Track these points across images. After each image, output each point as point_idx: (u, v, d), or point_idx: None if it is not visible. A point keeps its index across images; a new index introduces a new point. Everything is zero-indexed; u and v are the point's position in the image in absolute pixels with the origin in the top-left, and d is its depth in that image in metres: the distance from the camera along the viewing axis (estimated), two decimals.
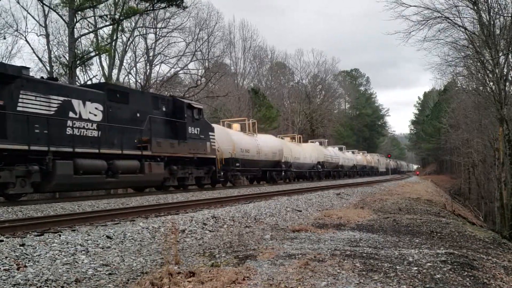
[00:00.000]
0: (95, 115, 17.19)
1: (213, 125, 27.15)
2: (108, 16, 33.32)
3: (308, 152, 42.80)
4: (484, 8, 27.38)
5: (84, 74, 37.46)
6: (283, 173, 35.29)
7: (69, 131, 15.92)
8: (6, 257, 6.15)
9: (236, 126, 31.71)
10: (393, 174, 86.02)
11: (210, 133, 24.09)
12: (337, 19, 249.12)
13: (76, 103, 16.40)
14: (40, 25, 34.75)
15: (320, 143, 50.28)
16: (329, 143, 60.59)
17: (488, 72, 29.36)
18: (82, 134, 16.45)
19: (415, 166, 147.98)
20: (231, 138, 27.80)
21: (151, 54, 42.76)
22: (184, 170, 21.81)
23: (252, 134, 32.12)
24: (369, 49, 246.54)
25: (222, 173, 25.45)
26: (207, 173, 23.79)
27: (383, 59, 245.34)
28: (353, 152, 66.01)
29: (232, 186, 27.21)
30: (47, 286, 5.24)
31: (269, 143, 33.39)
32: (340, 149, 59.11)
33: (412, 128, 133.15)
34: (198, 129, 22.84)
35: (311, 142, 50.03)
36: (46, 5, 32.17)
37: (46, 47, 34.09)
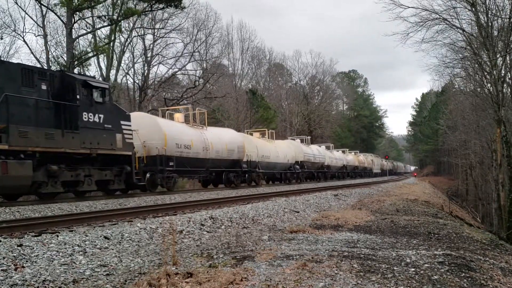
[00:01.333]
0: None
1: (136, 113, 22.96)
2: (106, 16, 33.36)
3: (283, 150, 36.81)
4: (482, 10, 27.50)
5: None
6: (246, 175, 29.79)
7: None
8: (4, 258, 6.14)
9: (179, 116, 26.13)
10: (389, 176, 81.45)
11: (122, 122, 18.27)
12: (334, 22, 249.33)
13: None
14: (38, 25, 34.84)
15: (302, 141, 44.59)
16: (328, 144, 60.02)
17: (485, 73, 29.46)
18: None
19: (412, 167, 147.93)
20: (162, 130, 21.87)
21: (149, 54, 42.89)
22: (76, 171, 16.34)
23: (201, 127, 26.35)
24: (365, 52, 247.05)
25: (148, 175, 20.42)
26: (119, 175, 18.25)
27: (380, 61, 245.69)
28: (343, 152, 61.47)
29: (167, 191, 21.64)
30: (45, 287, 5.24)
31: (224, 138, 27.48)
32: (328, 147, 53.87)
33: (410, 129, 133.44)
34: (101, 116, 17.25)
35: (291, 139, 44.44)
36: (44, 6, 32.20)
37: (44, 47, 34.20)
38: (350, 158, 62.21)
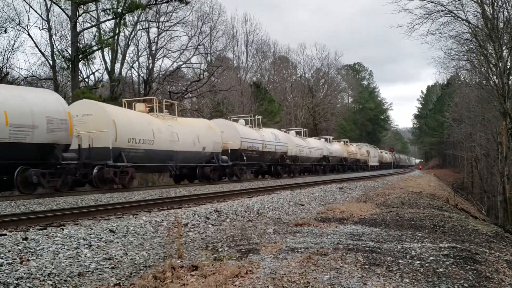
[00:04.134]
0: None
1: None
2: (111, 10, 33.34)
3: (191, 132, 23.57)
4: (487, 2, 27.31)
5: (86, 68, 37.55)
6: (93, 172, 17.77)
7: None
8: (9, 251, 6.17)
9: None
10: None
11: None
12: (335, 16, 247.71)
13: None
14: (42, 19, 34.86)
15: (247, 122, 31.80)
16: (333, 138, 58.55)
17: (491, 65, 29.31)
18: None
19: (417, 160, 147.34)
20: None
21: (153, 48, 42.84)
22: None
23: None
24: (367, 45, 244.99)
25: None
26: None
27: (383, 54, 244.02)
28: (326, 140, 49.87)
29: None
30: (50, 280, 5.25)
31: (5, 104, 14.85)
32: (298, 133, 42.27)
33: (415, 122, 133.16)
34: None
35: (233, 119, 31.22)
36: None
37: (48, 41, 34.20)
38: (336, 148, 50.98)
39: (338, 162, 51.22)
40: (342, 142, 56.63)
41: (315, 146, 43.04)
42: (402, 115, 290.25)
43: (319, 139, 48.22)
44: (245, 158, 28.28)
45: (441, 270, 5.61)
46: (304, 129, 44.82)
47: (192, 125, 24.72)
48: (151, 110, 22.75)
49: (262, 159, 31.18)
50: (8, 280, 5.08)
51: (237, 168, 27.81)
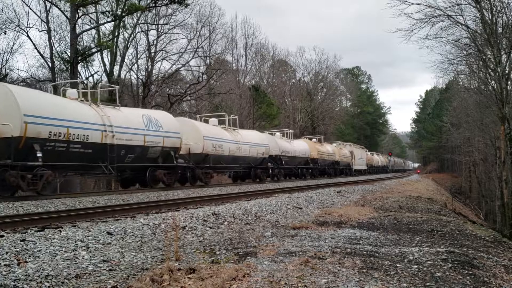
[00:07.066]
0: None
1: None
2: (110, 12, 33.33)
3: None
4: (486, 7, 27.37)
5: (85, 70, 37.52)
6: None
7: None
8: (7, 253, 6.15)
9: None
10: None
11: None
12: (335, 20, 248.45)
13: None
14: (41, 20, 34.80)
15: (84, 95, 18.39)
16: (330, 141, 57.15)
17: (490, 70, 29.36)
18: None
19: (415, 164, 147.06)
20: None
21: (152, 50, 42.79)
22: None
23: None
24: (367, 50, 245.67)
25: None
26: None
27: (379, 59, 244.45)
28: (284, 135, 38.98)
29: None
30: (48, 282, 5.24)
31: None
32: (222, 122, 28.77)
33: (414, 126, 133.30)
34: None
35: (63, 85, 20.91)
36: (48, 1, 32.20)
37: (47, 42, 34.17)
38: (298, 146, 39.05)
39: (302, 165, 39.32)
40: (314, 140, 45.68)
41: (252, 142, 29.57)
42: (401, 119, 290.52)
43: (273, 133, 36.90)
44: (39, 154, 14.45)
45: (438, 274, 5.60)
46: (233, 116, 30.81)
47: None
48: None
49: (101, 157, 17.08)
50: (5, 282, 5.07)
51: (13, 173, 13.85)
